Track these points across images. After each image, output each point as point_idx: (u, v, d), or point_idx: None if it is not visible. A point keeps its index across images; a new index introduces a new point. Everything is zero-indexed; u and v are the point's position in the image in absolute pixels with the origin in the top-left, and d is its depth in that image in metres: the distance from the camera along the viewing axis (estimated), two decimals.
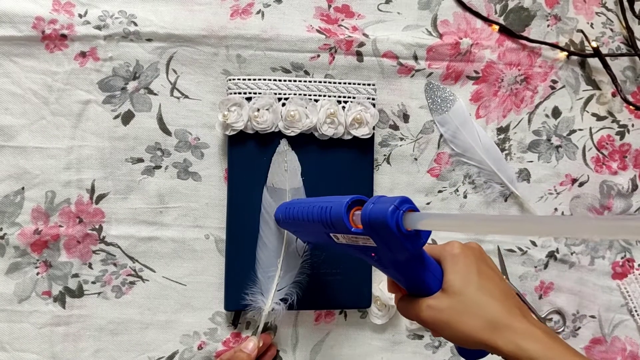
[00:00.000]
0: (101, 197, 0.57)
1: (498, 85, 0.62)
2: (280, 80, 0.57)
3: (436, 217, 0.35)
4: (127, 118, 0.57)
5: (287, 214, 0.50)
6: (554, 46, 0.63)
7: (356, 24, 0.60)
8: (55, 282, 0.56)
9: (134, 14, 0.56)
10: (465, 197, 0.62)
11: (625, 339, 0.65)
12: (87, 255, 0.57)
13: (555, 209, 0.64)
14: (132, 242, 0.57)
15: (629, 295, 0.64)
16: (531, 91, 0.63)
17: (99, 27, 0.56)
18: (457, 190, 0.62)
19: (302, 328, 0.60)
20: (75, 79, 0.56)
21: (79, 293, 0.57)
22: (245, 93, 0.56)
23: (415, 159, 0.61)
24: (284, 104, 0.56)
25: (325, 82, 0.58)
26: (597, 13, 0.64)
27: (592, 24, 0.64)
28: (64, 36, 0.55)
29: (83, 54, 0.56)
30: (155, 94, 0.57)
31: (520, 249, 0.63)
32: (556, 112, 0.64)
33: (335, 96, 0.57)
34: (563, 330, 0.63)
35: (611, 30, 0.64)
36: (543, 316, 0.63)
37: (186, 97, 0.58)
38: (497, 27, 0.62)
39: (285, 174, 0.56)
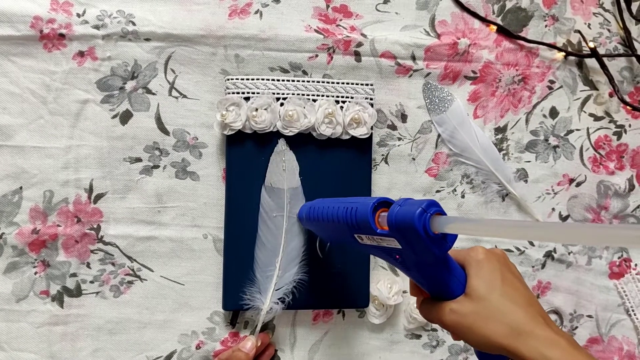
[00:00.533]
0: (99, 196, 0.57)
1: (496, 86, 0.62)
2: (278, 80, 0.57)
3: (464, 221, 0.35)
4: (125, 117, 0.57)
5: (311, 213, 0.50)
6: (552, 46, 0.63)
7: (354, 24, 0.60)
8: (54, 281, 0.56)
9: (132, 13, 0.56)
10: (463, 197, 0.62)
11: (622, 339, 0.65)
12: (85, 254, 0.57)
13: (553, 209, 0.64)
14: (130, 242, 0.57)
15: (626, 295, 0.64)
16: (529, 91, 0.63)
17: (97, 27, 0.56)
18: (454, 190, 0.62)
19: (300, 327, 0.60)
20: (74, 79, 0.56)
21: (77, 292, 0.57)
22: (243, 93, 0.56)
23: (413, 159, 0.61)
24: (282, 104, 0.57)
25: (323, 82, 0.58)
26: (594, 14, 0.64)
27: (589, 24, 0.64)
28: (62, 35, 0.55)
29: (81, 54, 0.56)
30: (153, 94, 0.57)
31: (517, 249, 0.63)
32: (554, 112, 0.64)
33: (333, 96, 0.57)
34: None
35: (608, 30, 0.65)
36: None
37: (184, 96, 0.58)
38: (494, 28, 0.62)
39: (284, 174, 0.56)
